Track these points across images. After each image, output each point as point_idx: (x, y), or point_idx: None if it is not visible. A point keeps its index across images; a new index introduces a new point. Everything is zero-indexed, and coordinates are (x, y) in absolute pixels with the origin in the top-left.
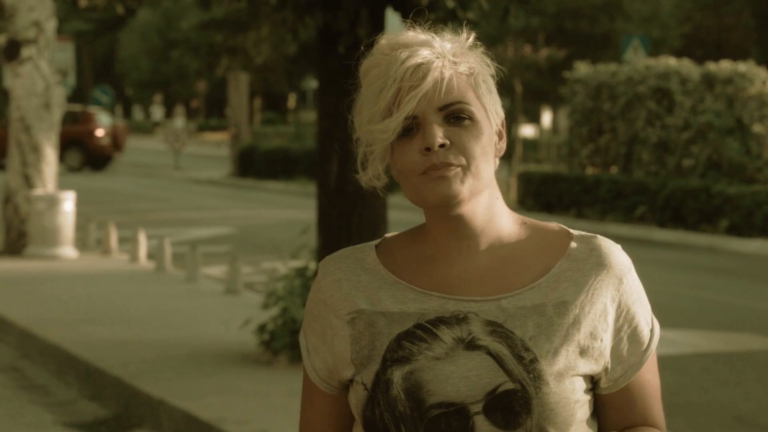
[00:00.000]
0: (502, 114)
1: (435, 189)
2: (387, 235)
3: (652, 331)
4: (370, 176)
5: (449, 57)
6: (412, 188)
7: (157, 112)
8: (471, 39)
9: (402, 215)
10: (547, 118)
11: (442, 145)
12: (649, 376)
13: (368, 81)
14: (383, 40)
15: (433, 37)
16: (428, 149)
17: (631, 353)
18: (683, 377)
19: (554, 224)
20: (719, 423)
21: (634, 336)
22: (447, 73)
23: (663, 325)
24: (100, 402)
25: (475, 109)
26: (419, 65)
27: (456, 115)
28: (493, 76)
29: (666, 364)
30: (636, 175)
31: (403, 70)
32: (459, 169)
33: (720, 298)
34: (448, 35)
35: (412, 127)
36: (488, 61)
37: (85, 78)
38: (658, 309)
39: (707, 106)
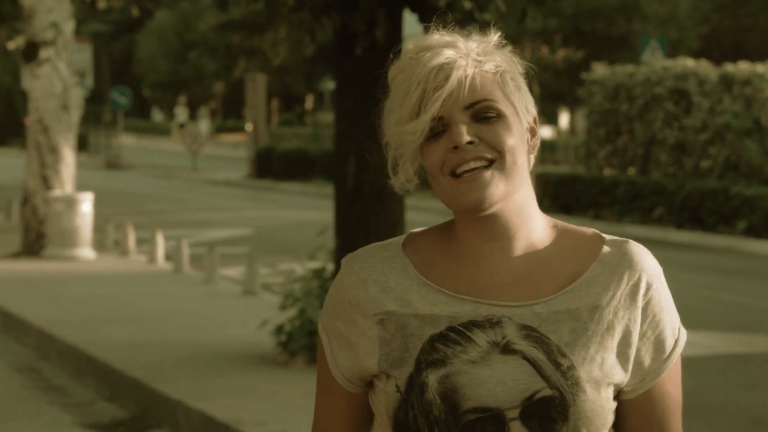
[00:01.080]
0: (533, 111)
1: (467, 193)
2: (413, 230)
3: (677, 341)
4: (402, 180)
5: (473, 56)
6: (443, 191)
7: (182, 113)
8: (497, 38)
9: (419, 217)
10: (564, 119)
11: (470, 143)
12: (671, 387)
13: (395, 85)
14: (410, 44)
15: (458, 38)
16: (456, 147)
17: (653, 359)
18: (701, 379)
19: (587, 229)
20: (737, 425)
21: (658, 342)
22: (471, 72)
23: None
24: (118, 403)
25: (503, 107)
26: (443, 65)
27: (483, 114)
28: (522, 74)
29: (684, 365)
30: (654, 177)
31: (427, 71)
32: (491, 167)
33: (738, 299)
34: (475, 36)
35: (441, 129)
36: (517, 59)
37: (102, 79)
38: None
39: (725, 107)
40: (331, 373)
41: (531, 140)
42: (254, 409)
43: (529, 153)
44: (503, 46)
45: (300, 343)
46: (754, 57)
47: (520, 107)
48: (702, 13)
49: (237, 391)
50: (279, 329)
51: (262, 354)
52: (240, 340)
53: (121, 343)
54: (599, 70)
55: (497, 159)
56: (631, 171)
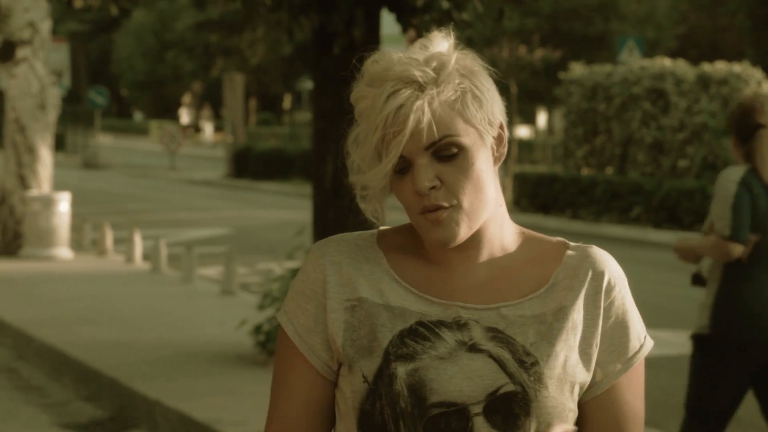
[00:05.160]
0: (500, 118)
1: (432, 232)
2: (382, 228)
3: (641, 346)
4: (371, 214)
5: (431, 89)
6: (414, 224)
7: (186, 115)
8: (453, 48)
9: (398, 216)
10: (542, 118)
11: (432, 187)
12: (630, 396)
13: (357, 114)
14: (370, 65)
15: (414, 63)
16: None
17: (613, 360)
18: (678, 378)
19: (553, 237)
20: None
21: (620, 344)
22: (429, 111)
23: (659, 325)
24: (96, 403)
25: (464, 137)
26: (400, 108)
27: (444, 151)
28: (486, 77)
29: (661, 365)
30: (631, 176)
31: (385, 116)
32: (451, 209)
33: None
34: (433, 46)
35: (405, 166)
36: (478, 62)
37: (80, 79)
38: (653, 310)
39: (702, 107)
40: (305, 363)
41: (497, 150)
42: (233, 408)
43: (495, 164)
44: (463, 51)
45: None
46: (731, 57)
47: (483, 127)
48: (679, 13)
49: (215, 390)
50: (257, 329)
51: (240, 354)
52: (218, 340)
53: (99, 343)
54: (577, 69)
55: (455, 205)
56: (609, 170)
